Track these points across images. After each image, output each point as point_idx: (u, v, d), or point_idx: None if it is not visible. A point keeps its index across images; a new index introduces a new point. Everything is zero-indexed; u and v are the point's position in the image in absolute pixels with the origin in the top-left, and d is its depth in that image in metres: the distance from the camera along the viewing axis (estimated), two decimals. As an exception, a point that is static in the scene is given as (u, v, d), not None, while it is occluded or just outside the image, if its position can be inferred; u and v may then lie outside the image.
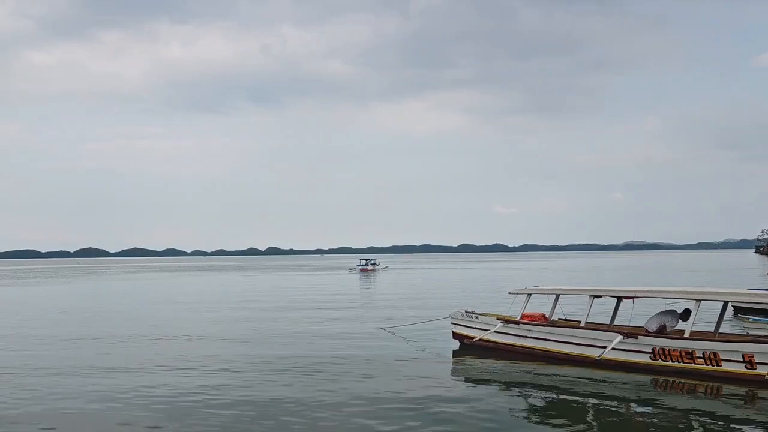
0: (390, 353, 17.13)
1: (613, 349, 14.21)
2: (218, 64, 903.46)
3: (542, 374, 14.22)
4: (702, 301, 14.02)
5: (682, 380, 13.18)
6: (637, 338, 14.22)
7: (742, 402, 11.89)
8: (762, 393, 12.15)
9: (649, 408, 11.54)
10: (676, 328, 14.77)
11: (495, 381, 13.96)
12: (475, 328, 17.74)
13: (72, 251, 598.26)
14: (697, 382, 12.96)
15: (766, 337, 14.05)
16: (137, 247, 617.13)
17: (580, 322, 15.87)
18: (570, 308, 17.97)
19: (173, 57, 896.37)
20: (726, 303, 15.30)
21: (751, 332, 17.23)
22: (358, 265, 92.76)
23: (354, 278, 67.55)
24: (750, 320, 22.23)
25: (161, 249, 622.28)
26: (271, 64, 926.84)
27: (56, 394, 12.76)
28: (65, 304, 37.60)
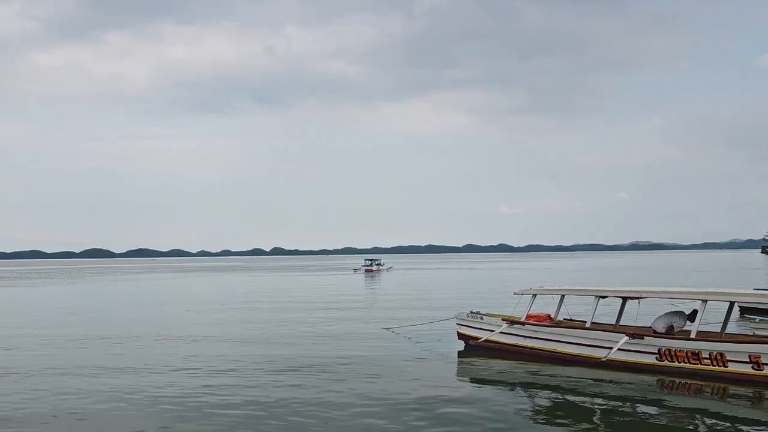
0: (395, 354, 17.13)
1: (619, 349, 14.17)
2: (223, 65, 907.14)
3: (548, 375, 14.19)
4: (708, 302, 13.98)
5: (689, 381, 13.13)
6: (642, 339, 14.18)
7: (749, 403, 11.83)
8: (769, 394, 12.10)
9: (656, 409, 11.50)
10: (683, 328, 14.72)
11: (501, 382, 13.94)
12: (481, 329, 17.71)
13: (77, 252, 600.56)
14: (703, 383, 12.92)
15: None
16: (142, 247, 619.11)
17: (585, 322, 15.84)
18: (575, 309, 17.93)
19: (177, 58, 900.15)
20: (732, 303, 15.23)
21: (757, 333, 17.16)
22: (362, 266, 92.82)
23: (359, 279, 67.56)
24: (756, 320, 22.15)
25: (166, 249, 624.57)
26: (276, 65, 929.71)
27: (63, 395, 12.81)
28: (71, 305, 37.73)
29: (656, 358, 13.91)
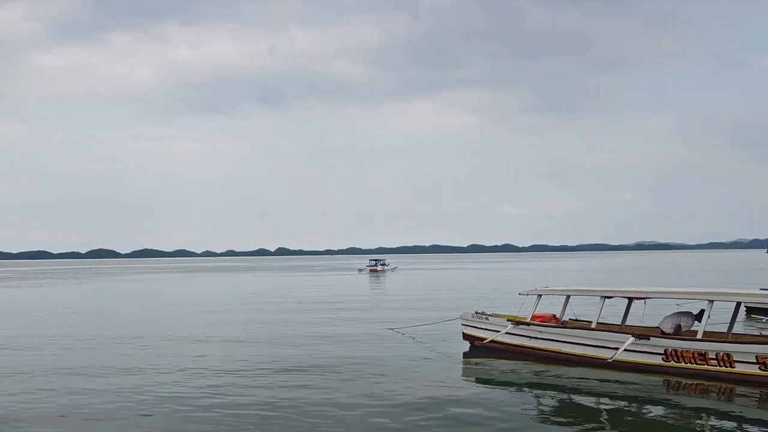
0: (400, 354, 17.12)
1: (625, 350, 14.13)
2: (227, 66, 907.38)
3: (554, 376, 14.16)
4: (714, 302, 13.92)
5: (695, 382, 13.08)
6: (649, 339, 14.13)
7: (756, 404, 11.78)
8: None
9: (663, 410, 11.46)
10: (691, 328, 14.66)
11: (506, 382, 13.91)
12: (486, 329, 17.67)
13: (83, 252, 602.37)
14: (710, 384, 12.87)
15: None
16: (147, 247, 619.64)
17: (591, 323, 15.80)
18: (580, 309, 17.88)
19: (182, 59, 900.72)
20: (739, 304, 15.18)
21: (764, 333, 17.11)
22: (367, 266, 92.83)
23: (363, 279, 67.60)
24: (763, 321, 22.06)
25: (171, 250, 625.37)
26: (279, 65, 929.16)
27: (70, 394, 12.86)
28: (77, 305, 37.85)
29: (662, 358, 13.85)
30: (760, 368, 12.70)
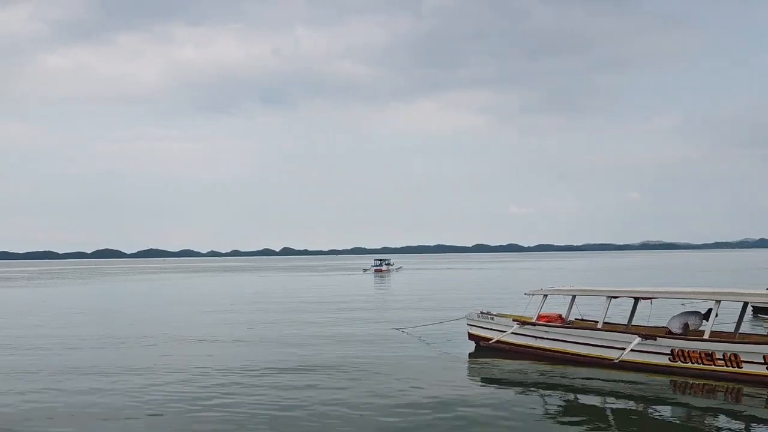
0: (406, 354, 17.12)
1: (631, 350, 14.08)
2: (232, 66, 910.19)
3: (560, 376, 14.14)
4: (721, 302, 13.86)
5: (702, 382, 13.04)
6: (655, 340, 14.09)
7: (764, 405, 11.73)
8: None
9: (669, 410, 11.44)
10: (699, 328, 14.60)
11: (512, 383, 13.90)
12: (492, 329, 17.65)
13: (89, 252, 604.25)
14: (717, 384, 12.83)
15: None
16: (153, 248, 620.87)
17: (597, 322, 15.76)
18: (586, 309, 17.84)
19: (187, 59, 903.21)
20: (746, 304, 15.12)
21: (771, 333, 17.01)
22: (372, 266, 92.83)
23: (368, 279, 67.61)
24: (770, 321, 21.93)
25: (176, 250, 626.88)
26: (285, 65, 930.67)
27: (77, 394, 12.92)
28: (83, 305, 38.00)
29: (669, 359, 13.81)
30: (767, 368, 12.64)
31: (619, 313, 17.48)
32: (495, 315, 18.04)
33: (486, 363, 16.01)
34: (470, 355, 17.21)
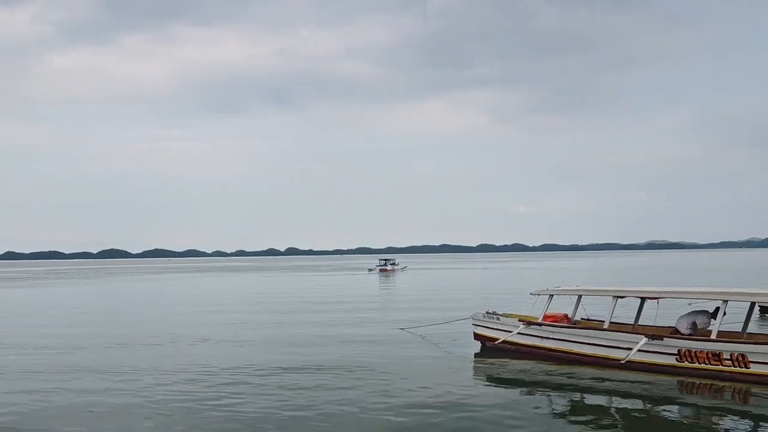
0: (411, 354, 17.11)
1: (638, 350, 14.02)
2: (238, 66, 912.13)
3: (566, 376, 14.10)
4: (728, 302, 13.80)
5: (709, 382, 12.98)
6: (662, 340, 14.03)
7: (772, 405, 11.68)
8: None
9: (676, 411, 11.40)
10: (707, 327, 14.53)
11: (518, 383, 13.87)
12: (497, 329, 17.60)
13: (94, 252, 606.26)
14: (724, 384, 12.77)
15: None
16: (158, 248, 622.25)
17: (603, 322, 15.71)
18: (592, 309, 17.79)
19: (194, 59, 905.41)
20: (753, 304, 15.06)
21: (779, 333, 16.92)
22: (377, 266, 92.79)
23: (373, 278, 67.62)
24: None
25: (182, 250, 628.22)
26: (291, 65, 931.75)
27: (82, 393, 12.96)
28: (89, 305, 38.15)
29: (676, 359, 13.75)
30: (775, 369, 12.57)
31: (625, 313, 17.41)
32: (501, 315, 18.00)
33: (492, 363, 15.98)
34: (476, 355, 17.19)
